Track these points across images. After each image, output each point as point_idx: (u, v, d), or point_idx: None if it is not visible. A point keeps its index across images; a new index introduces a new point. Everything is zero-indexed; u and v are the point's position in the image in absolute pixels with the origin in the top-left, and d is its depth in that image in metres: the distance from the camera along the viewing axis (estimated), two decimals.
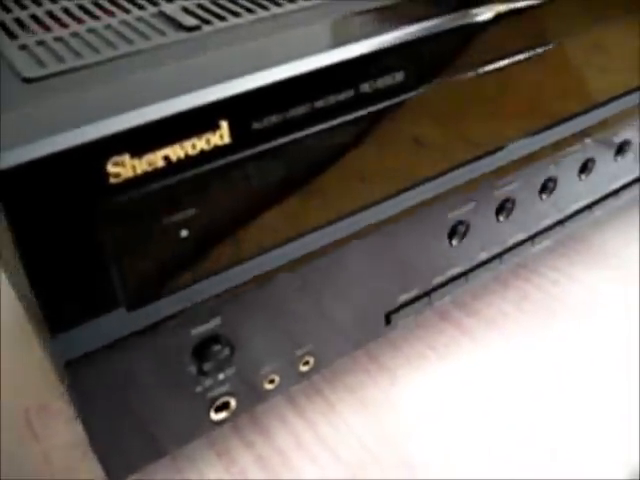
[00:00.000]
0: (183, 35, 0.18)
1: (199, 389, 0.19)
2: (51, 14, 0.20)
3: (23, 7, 0.20)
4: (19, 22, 0.19)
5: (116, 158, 0.15)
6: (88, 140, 0.14)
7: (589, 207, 0.27)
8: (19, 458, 0.23)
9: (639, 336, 0.26)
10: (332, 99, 0.17)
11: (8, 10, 0.20)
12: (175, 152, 0.15)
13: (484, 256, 0.25)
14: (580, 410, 0.23)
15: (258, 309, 0.19)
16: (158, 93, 0.15)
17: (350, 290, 0.21)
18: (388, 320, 0.23)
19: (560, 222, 0.27)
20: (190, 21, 0.18)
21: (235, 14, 0.19)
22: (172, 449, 0.20)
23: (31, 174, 0.14)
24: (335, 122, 0.18)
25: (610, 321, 0.26)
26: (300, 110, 0.17)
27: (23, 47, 0.18)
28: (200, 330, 0.18)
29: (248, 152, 0.16)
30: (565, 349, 0.25)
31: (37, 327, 0.19)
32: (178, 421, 0.20)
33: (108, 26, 0.19)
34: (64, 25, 0.19)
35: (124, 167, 0.15)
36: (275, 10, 0.19)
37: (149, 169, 0.15)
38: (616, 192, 0.28)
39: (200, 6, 0.20)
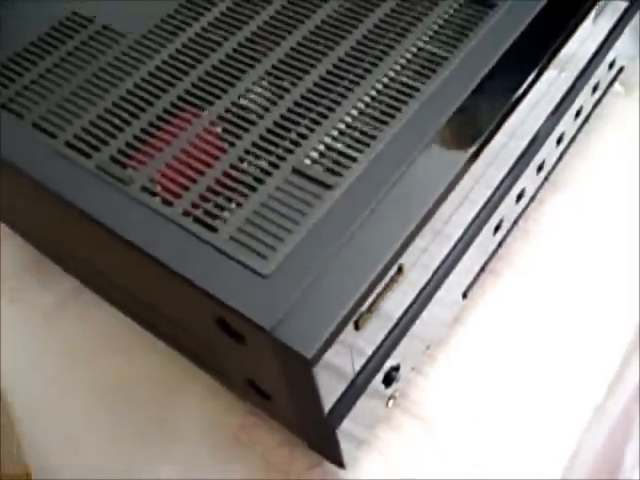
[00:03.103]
0: (333, 194, 0.27)
1: (384, 396, 0.31)
2: (213, 190, 0.27)
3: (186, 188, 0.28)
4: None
5: (362, 317, 0.24)
6: (350, 316, 0.24)
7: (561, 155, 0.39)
8: (244, 463, 0.34)
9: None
10: None
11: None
12: (383, 297, 0.25)
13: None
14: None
15: (411, 338, 0.30)
16: (368, 262, 0.25)
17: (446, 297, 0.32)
18: (464, 296, 0.35)
19: (548, 175, 0.38)
20: (329, 179, 0.27)
21: (350, 158, 0.28)
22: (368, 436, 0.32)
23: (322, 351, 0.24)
24: None
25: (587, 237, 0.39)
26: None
27: (232, 238, 0.26)
28: (386, 368, 0.29)
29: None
30: (571, 267, 0.38)
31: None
32: (371, 417, 0.31)
33: (271, 196, 0.27)
34: (236, 202, 0.27)
35: (364, 320, 0.25)
36: (378, 146, 0.28)
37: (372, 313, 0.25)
38: (575, 136, 0.40)
39: (320, 153, 0.28)
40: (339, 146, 0.28)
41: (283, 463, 0.34)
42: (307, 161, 0.28)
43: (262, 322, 0.24)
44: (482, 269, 0.35)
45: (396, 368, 0.30)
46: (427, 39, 0.32)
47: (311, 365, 0.23)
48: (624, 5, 0.40)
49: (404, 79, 0.30)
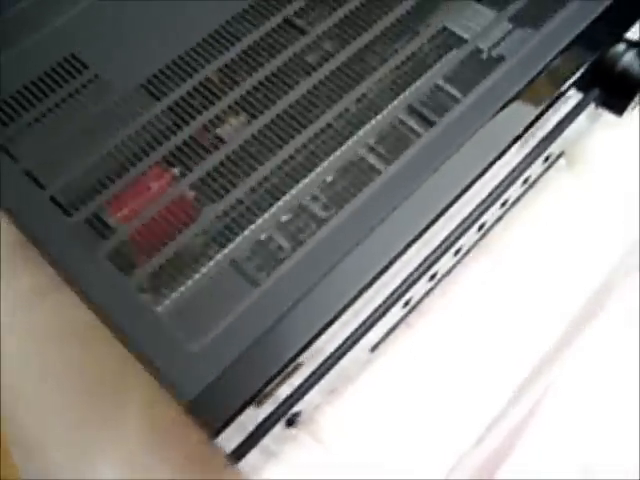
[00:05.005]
0: (258, 292, 0.34)
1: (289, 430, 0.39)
2: (164, 268, 0.35)
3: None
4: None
5: (262, 399, 0.32)
6: (252, 400, 0.32)
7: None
8: (172, 454, 0.43)
9: None
10: None
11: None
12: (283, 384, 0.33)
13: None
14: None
15: (315, 391, 0.38)
16: (273, 358, 0.32)
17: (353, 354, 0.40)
18: (373, 350, 0.43)
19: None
20: (258, 275, 0.34)
21: (277, 260, 0.35)
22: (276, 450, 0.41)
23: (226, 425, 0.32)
24: None
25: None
26: None
27: (171, 315, 0.33)
28: (291, 414, 0.38)
29: None
30: (479, 328, 0.46)
31: None
32: (278, 441, 0.40)
33: (208, 282, 0.34)
34: (181, 282, 0.34)
35: (264, 401, 0.33)
36: (306, 248, 0.35)
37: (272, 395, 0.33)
38: (501, 217, 0.46)
39: (254, 250, 0.35)
40: (272, 245, 0.35)
41: (204, 460, 0.43)
42: (244, 254, 0.35)
43: (184, 394, 0.32)
44: (395, 326, 0.43)
45: (297, 414, 0.38)
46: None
47: (217, 434, 0.32)
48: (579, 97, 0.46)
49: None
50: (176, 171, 0.38)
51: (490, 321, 0.47)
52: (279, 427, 0.37)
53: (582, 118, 0.46)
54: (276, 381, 0.33)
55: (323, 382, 0.38)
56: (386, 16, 0.44)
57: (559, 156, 0.48)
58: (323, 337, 0.34)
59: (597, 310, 0.55)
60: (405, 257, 0.38)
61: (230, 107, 0.39)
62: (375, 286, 0.37)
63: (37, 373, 0.45)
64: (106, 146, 0.38)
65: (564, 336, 0.49)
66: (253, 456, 0.38)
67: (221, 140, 0.39)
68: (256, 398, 0.32)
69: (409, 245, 0.37)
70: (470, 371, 0.46)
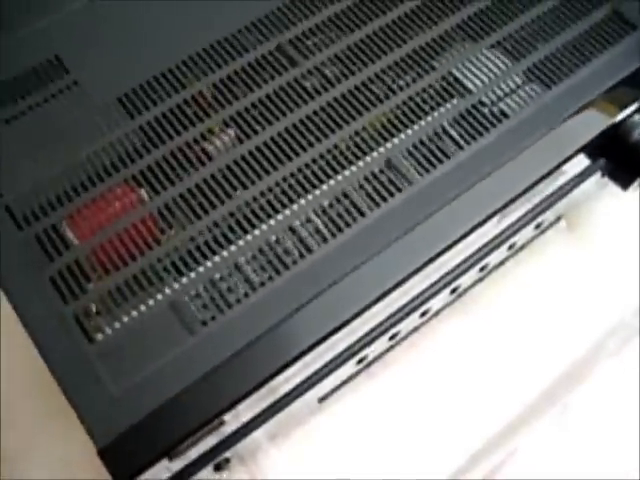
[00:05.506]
0: (193, 340, 0.33)
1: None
2: (104, 302, 0.34)
3: None
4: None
5: (177, 453, 0.31)
6: (164, 454, 0.31)
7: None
8: None
9: None
10: None
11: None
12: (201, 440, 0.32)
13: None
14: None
15: (252, 438, 0.37)
16: (194, 412, 0.31)
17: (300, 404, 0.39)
18: (321, 401, 0.41)
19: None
20: (195, 325, 0.33)
21: (221, 310, 0.33)
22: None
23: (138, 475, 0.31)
24: None
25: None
26: None
27: (101, 354, 0.33)
28: (220, 459, 0.37)
29: None
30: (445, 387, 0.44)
31: None
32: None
33: (144, 322, 0.33)
34: (117, 318, 0.33)
35: (178, 456, 0.32)
36: (251, 300, 0.33)
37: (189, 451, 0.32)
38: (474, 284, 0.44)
39: (197, 294, 0.34)
40: (222, 286, 0.34)
41: None
42: (189, 295, 0.34)
43: (97, 439, 0.31)
44: (343, 383, 0.42)
45: (227, 459, 0.37)
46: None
47: None
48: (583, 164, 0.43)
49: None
50: (143, 192, 0.37)
51: (458, 379, 0.45)
52: (206, 471, 0.37)
53: (585, 186, 0.43)
54: (195, 437, 0.32)
55: (258, 432, 0.37)
56: (392, 52, 0.42)
57: (558, 219, 0.46)
58: (259, 392, 0.33)
59: (580, 378, 0.53)
60: (365, 315, 0.36)
61: (202, 135, 0.38)
62: (326, 343, 0.35)
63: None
64: (73, 158, 0.37)
65: (533, 404, 0.47)
66: None
67: (193, 166, 0.37)
68: (169, 453, 0.31)
69: (371, 304, 0.35)
70: (430, 427, 0.44)
